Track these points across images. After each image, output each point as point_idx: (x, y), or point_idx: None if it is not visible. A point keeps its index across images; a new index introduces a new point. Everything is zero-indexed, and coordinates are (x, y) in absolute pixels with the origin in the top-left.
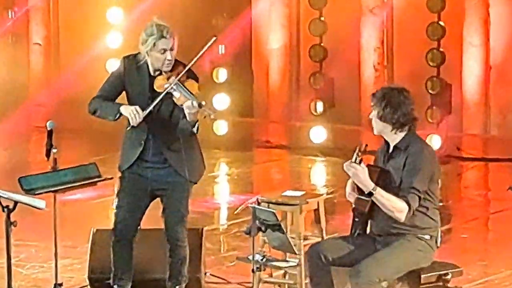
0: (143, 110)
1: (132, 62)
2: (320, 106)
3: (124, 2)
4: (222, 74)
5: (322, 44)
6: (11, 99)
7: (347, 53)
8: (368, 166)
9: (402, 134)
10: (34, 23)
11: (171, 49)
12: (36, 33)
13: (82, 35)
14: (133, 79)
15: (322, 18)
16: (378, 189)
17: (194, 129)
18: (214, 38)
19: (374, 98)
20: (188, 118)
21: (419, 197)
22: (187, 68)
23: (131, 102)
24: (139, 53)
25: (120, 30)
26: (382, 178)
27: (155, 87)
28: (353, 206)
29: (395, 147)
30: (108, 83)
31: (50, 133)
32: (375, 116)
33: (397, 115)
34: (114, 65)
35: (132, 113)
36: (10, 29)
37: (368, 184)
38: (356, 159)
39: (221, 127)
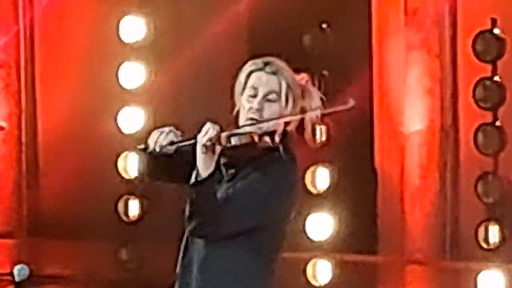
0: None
1: None
2: (493, 234)
3: (147, 55)
4: (321, 179)
5: (497, 124)
6: None
7: None
8: None
9: None
10: None
11: (267, 97)
12: None
13: (78, 110)
14: None
15: (497, 78)
16: None
17: None
18: (351, 104)
19: None
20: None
21: None
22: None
23: None
24: None
25: (141, 102)
26: None
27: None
28: None
29: None
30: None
31: None
32: None
33: None
34: (132, 160)
35: (156, 132)
36: None
37: None
38: None
39: (320, 271)
